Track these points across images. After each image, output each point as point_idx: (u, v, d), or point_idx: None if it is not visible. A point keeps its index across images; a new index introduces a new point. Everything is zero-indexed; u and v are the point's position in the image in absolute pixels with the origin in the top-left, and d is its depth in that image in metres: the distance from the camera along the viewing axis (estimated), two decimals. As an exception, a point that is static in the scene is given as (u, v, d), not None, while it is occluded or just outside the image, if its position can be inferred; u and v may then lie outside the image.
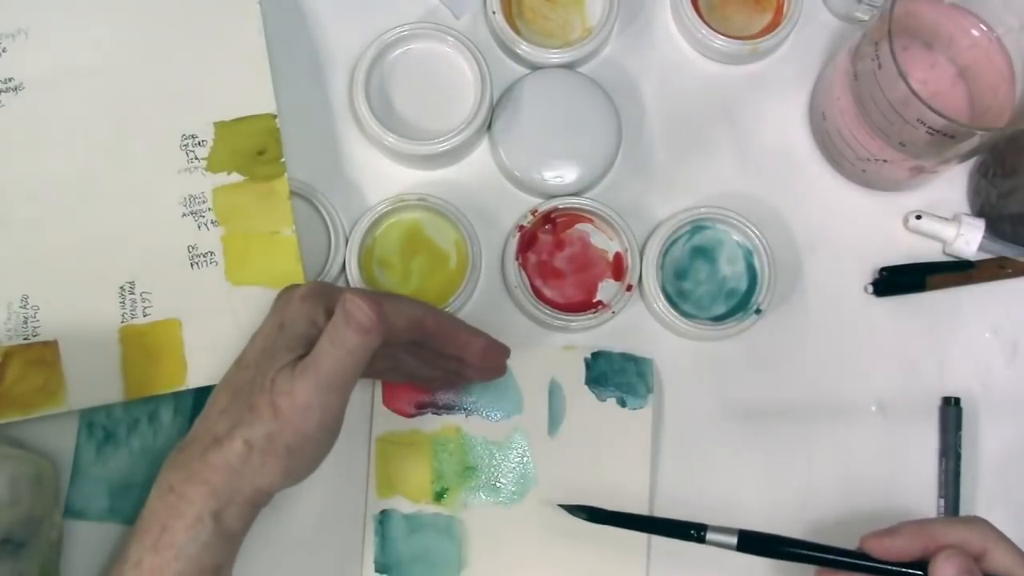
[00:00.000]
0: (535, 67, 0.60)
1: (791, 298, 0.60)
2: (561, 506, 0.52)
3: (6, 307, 0.54)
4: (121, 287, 0.54)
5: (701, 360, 0.59)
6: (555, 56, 0.60)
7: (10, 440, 0.53)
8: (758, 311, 0.57)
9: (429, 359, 0.53)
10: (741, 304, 0.58)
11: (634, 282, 0.58)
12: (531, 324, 0.58)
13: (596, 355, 0.58)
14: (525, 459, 0.57)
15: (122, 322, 0.54)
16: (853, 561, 0.47)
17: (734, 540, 0.47)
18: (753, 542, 0.47)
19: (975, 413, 0.58)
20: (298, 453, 0.44)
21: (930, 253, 0.60)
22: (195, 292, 0.54)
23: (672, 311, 0.57)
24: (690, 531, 0.48)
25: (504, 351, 0.54)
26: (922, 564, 0.46)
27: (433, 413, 0.57)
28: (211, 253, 0.55)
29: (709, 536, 0.48)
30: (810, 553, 0.47)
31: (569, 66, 0.60)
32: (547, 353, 0.58)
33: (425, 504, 0.56)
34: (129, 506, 0.55)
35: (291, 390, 0.44)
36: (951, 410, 0.58)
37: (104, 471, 0.56)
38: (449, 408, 0.57)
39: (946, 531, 0.46)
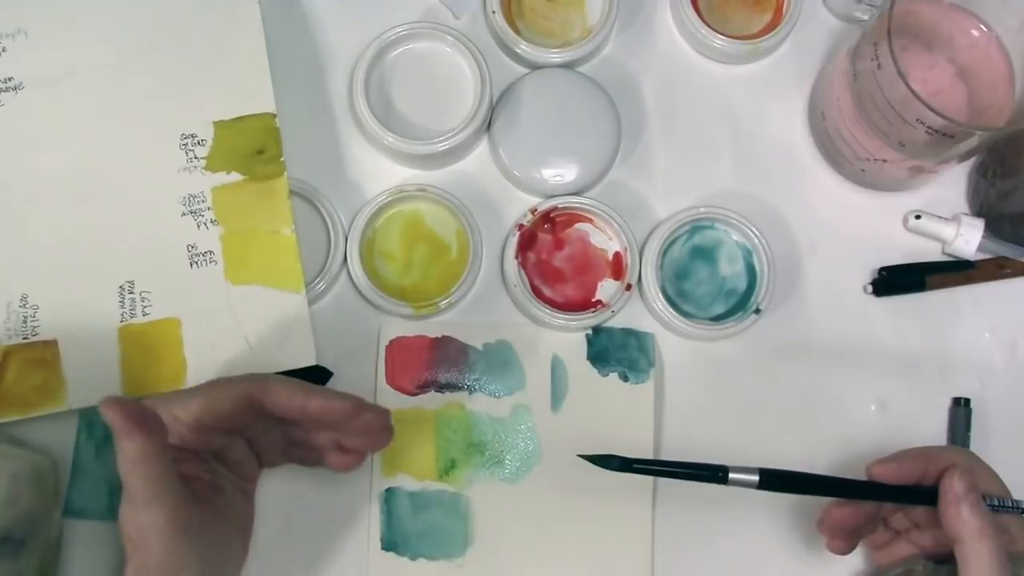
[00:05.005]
0: (535, 67, 0.60)
1: (791, 298, 0.60)
2: (582, 456, 0.49)
3: (6, 306, 0.54)
4: (120, 286, 0.54)
5: (701, 360, 0.59)
6: (555, 56, 0.60)
7: (10, 439, 0.53)
8: (758, 311, 0.57)
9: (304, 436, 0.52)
10: (741, 304, 0.58)
11: (633, 281, 0.58)
12: (530, 323, 0.58)
13: (597, 331, 0.58)
14: (529, 435, 0.57)
15: (121, 321, 0.54)
16: (868, 491, 0.50)
17: (756, 478, 0.49)
18: (773, 479, 0.49)
19: (973, 412, 0.58)
20: (173, 567, 0.45)
21: (930, 253, 0.60)
22: (194, 291, 0.54)
23: (672, 311, 0.57)
24: (717, 473, 0.49)
25: (378, 411, 0.51)
26: (920, 489, 0.50)
27: (436, 391, 0.57)
28: (210, 252, 0.55)
29: (731, 476, 0.49)
30: (826, 486, 0.50)
31: (569, 66, 0.60)
32: (548, 331, 0.58)
33: (430, 482, 0.56)
34: (128, 505, 0.55)
35: (123, 521, 0.45)
36: (960, 410, 0.58)
37: (104, 470, 0.56)
38: (452, 386, 0.57)
39: (942, 455, 0.51)
